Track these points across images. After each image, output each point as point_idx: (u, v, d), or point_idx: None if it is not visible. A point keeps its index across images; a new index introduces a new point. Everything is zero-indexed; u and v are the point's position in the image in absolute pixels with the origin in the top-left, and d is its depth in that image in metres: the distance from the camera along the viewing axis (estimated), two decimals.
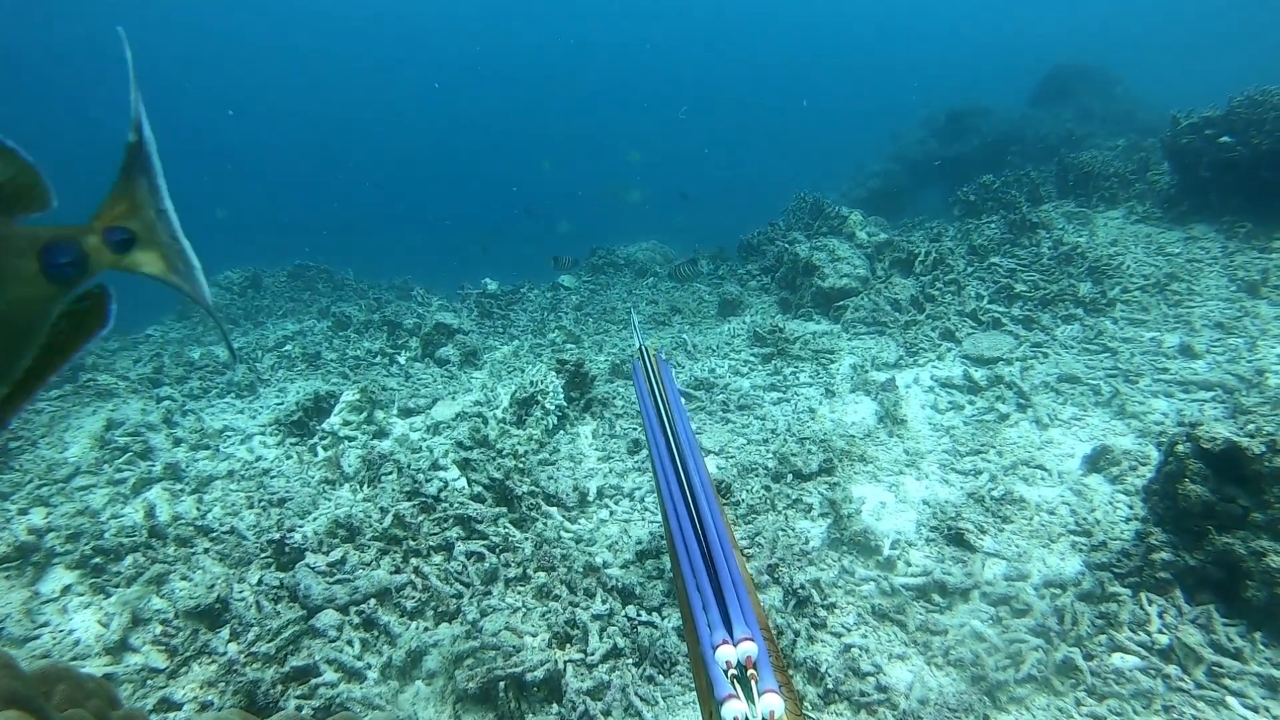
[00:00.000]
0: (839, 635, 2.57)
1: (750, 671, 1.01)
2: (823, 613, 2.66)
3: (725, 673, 1.01)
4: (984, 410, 4.10)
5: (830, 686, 2.33)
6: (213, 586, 2.70)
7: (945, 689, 2.29)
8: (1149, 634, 2.33)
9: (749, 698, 0.97)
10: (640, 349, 2.28)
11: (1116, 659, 2.29)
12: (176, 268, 0.82)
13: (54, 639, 2.63)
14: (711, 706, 0.99)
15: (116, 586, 2.88)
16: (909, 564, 2.92)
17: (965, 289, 5.47)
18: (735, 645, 1.04)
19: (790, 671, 2.39)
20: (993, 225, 6.26)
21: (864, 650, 2.47)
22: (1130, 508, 3.06)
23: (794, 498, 3.42)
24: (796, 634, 2.53)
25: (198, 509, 3.51)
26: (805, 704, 2.29)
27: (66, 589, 2.90)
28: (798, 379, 4.89)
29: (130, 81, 0.76)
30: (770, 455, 3.79)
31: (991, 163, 8.78)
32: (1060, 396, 4.07)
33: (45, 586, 2.93)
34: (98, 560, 2.99)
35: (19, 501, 3.53)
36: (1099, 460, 3.39)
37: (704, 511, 1.36)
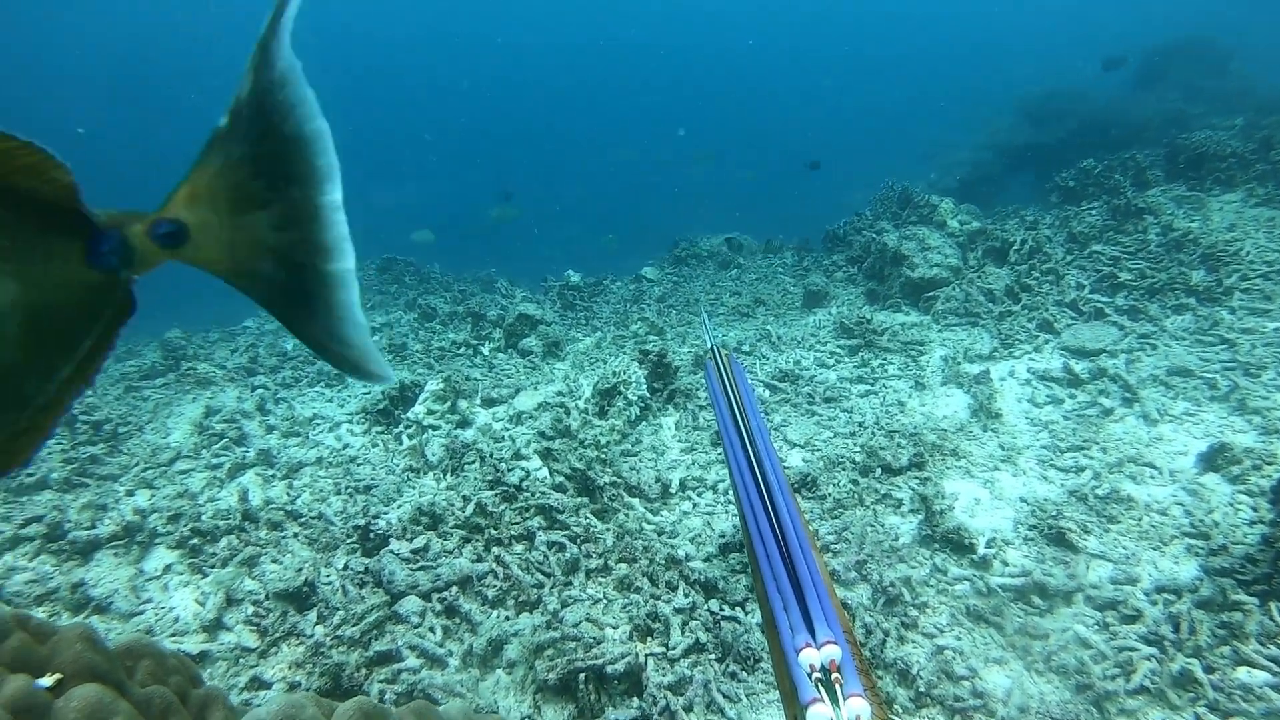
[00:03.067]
0: (931, 636, 2.47)
1: (834, 675, 0.99)
2: (914, 612, 2.56)
3: (809, 676, 1.00)
4: (1086, 404, 3.89)
5: (922, 689, 2.23)
6: (301, 570, 2.77)
7: (1047, 697, 2.16)
8: None
9: (834, 701, 0.95)
10: (712, 349, 2.24)
11: (1243, 673, 2.12)
12: (246, 269, 0.69)
13: (156, 615, 2.75)
14: (796, 710, 0.97)
15: (212, 567, 3.00)
16: (1006, 563, 2.79)
17: (1064, 278, 5.19)
18: (819, 648, 1.03)
19: (879, 673, 2.31)
20: (1094, 212, 5.91)
21: (958, 653, 2.37)
22: (1254, 510, 2.83)
23: (883, 492, 3.31)
24: (886, 634, 2.44)
25: (288, 494, 3.62)
26: (895, 707, 2.21)
27: (167, 568, 3.04)
28: (886, 371, 4.74)
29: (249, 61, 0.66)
30: (858, 449, 3.68)
31: (1090, 147, 8.29)
32: (1171, 391, 3.82)
33: (149, 565, 3.07)
34: (196, 541, 3.12)
35: (126, 483, 3.72)
36: (1216, 458, 3.16)
37: (782, 512, 1.34)
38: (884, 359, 4.92)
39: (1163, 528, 2.84)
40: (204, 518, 3.27)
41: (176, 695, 0.99)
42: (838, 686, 0.98)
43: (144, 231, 0.65)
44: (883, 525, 3.08)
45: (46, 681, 0.88)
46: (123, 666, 0.99)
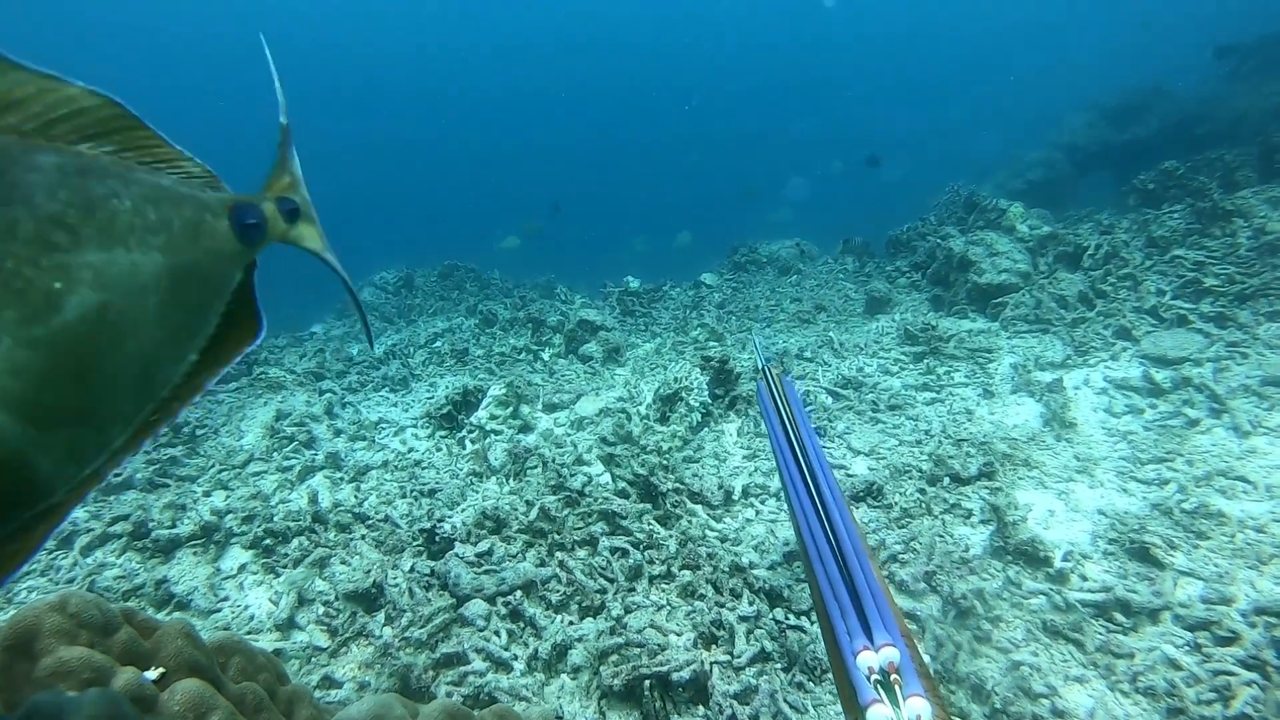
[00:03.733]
0: (1006, 651, 2.38)
1: (893, 677, 1.01)
2: (987, 626, 2.48)
3: (868, 678, 1.01)
4: (1169, 414, 3.72)
5: (998, 706, 2.16)
6: (369, 572, 2.82)
7: None
8: None
9: (894, 703, 0.96)
10: (763, 370, 2.25)
11: None
12: (327, 245, 0.89)
13: (233, 613, 2.82)
14: (856, 713, 0.98)
15: (284, 567, 3.07)
16: (1085, 578, 2.68)
17: (1143, 284, 4.99)
18: (876, 651, 1.04)
19: (952, 687, 2.24)
20: (1176, 215, 5.65)
21: (1035, 669, 2.28)
22: None
23: (951, 502, 3.22)
24: (958, 647, 2.36)
25: (355, 497, 3.68)
26: None
27: (242, 567, 3.12)
28: (952, 378, 4.62)
29: (273, 72, 0.86)
30: (925, 457, 3.59)
31: (1173, 147, 7.92)
32: (1266, 402, 3.62)
33: (225, 564, 3.15)
34: (269, 542, 3.20)
35: (203, 485, 3.83)
36: None
37: (836, 518, 1.35)
38: (950, 366, 4.80)
39: (1260, 545, 2.69)
40: (276, 519, 3.35)
41: (266, 692, 1.02)
42: (897, 688, 0.99)
43: (274, 208, 0.77)
44: (952, 536, 2.99)
45: (152, 675, 0.92)
46: (218, 663, 1.03)
